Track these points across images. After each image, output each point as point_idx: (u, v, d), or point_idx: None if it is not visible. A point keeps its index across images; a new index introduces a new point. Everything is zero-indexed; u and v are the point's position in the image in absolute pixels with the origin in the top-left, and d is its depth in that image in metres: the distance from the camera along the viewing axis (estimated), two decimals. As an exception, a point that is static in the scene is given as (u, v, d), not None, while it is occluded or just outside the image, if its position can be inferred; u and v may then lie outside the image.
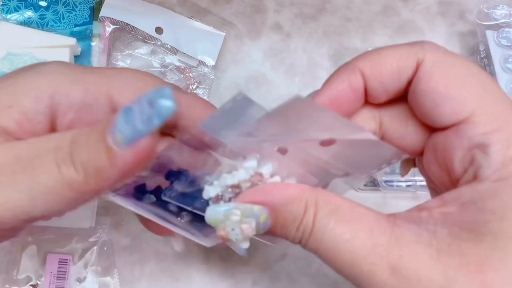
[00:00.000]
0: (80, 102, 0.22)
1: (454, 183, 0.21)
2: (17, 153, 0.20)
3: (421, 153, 0.23)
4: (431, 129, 0.22)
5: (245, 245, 0.21)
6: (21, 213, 0.20)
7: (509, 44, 0.41)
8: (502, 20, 0.42)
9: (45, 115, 0.22)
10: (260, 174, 0.21)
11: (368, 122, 0.23)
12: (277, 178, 0.21)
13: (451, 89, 0.20)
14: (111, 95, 0.22)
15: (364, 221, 0.20)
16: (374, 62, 0.22)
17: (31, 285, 0.37)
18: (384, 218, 0.20)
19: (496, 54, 0.41)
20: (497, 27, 0.42)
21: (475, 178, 0.19)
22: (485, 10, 0.42)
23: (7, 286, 0.36)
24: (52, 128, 0.22)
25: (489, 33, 0.42)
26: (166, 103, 0.18)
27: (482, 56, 0.42)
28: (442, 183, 0.22)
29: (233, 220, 0.20)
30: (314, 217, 0.20)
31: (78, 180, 0.19)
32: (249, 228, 0.20)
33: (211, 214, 0.20)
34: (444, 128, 0.21)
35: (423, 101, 0.21)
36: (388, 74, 0.21)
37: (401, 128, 0.23)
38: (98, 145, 0.18)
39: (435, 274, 0.19)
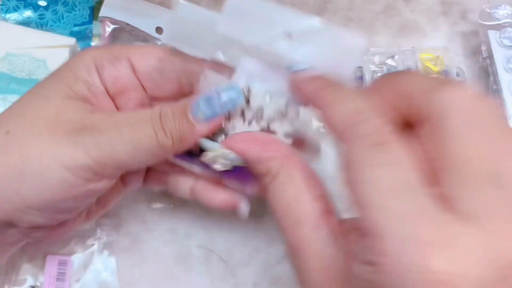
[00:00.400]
0: (109, 63, 0.29)
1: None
2: (118, 120, 0.26)
3: None
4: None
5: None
6: (121, 163, 0.26)
7: (511, 44, 0.41)
8: (505, 20, 0.42)
9: (97, 79, 0.29)
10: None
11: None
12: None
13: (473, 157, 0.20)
14: (131, 60, 0.29)
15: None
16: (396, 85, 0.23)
17: (31, 286, 0.37)
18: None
19: (498, 54, 0.41)
20: (499, 27, 0.42)
21: None
22: (487, 10, 0.42)
23: (6, 287, 0.36)
24: (104, 85, 0.29)
25: (491, 33, 0.41)
26: (238, 97, 0.27)
27: (484, 56, 0.42)
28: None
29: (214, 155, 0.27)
30: (269, 183, 0.25)
31: (168, 144, 0.26)
32: (224, 164, 0.27)
33: (207, 144, 0.28)
34: None
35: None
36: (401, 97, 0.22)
37: None
38: (183, 119, 0.26)
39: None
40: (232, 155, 0.27)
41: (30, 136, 0.25)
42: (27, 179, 0.25)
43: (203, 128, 0.26)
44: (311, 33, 0.26)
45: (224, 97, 0.26)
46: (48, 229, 0.29)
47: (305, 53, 0.26)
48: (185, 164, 0.29)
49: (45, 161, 0.25)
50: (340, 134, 0.22)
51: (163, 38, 0.41)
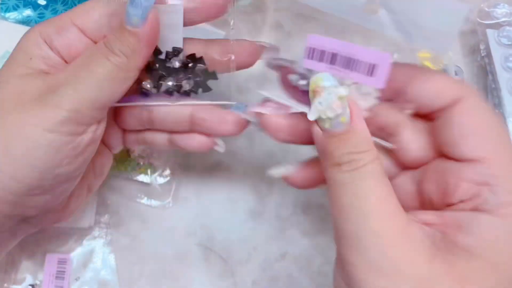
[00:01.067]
0: (56, 33, 0.29)
1: (443, 205, 0.24)
2: (73, 67, 0.27)
3: (416, 167, 0.27)
4: (440, 154, 0.25)
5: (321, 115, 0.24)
6: (93, 101, 0.26)
7: (509, 43, 0.41)
8: (503, 19, 0.42)
9: (50, 52, 0.28)
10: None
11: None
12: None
13: (480, 130, 0.24)
14: (76, 23, 0.28)
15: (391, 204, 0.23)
16: (421, 77, 0.25)
17: (30, 285, 0.37)
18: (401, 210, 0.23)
19: (497, 53, 0.41)
20: (497, 26, 0.42)
21: (475, 209, 0.23)
22: (486, 9, 0.42)
23: (5, 285, 0.36)
24: (59, 56, 0.28)
25: (490, 32, 0.41)
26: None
27: (482, 55, 0.42)
28: (430, 200, 0.25)
29: (332, 92, 0.23)
30: (361, 166, 0.23)
31: (124, 61, 0.26)
32: (337, 108, 0.23)
33: (324, 76, 0.24)
34: (457, 159, 0.24)
35: (454, 130, 0.24)
36: (428, 92, 0.25)
37: (415, 139, 0.26)
38: (124, 34, 0.26)
39: (423, 269, 0.22)
40: (339, 110, 0.23)
41: (2, 119, 0.26)
42: (16, 159, 0.25)
43: (145, 30, 0.26)
44: (408, 2, 0.24)
45: None
46: (57, 210, 0.30)
47: (399, 23, 0.25)
48: (141, 101, 0.30)
49: (26, 134, 0.25)
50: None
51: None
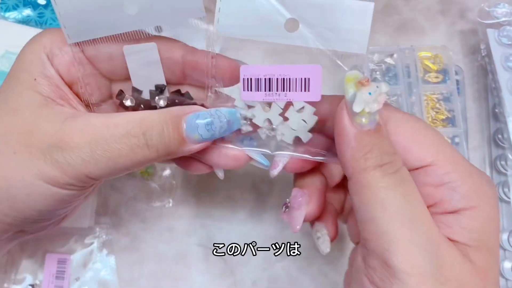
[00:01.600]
0: (59, 50, 0.27)
1: None
2: (92, 135, 0.24)
3: None
4: None
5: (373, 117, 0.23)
6: (99, 177, 0.25)
7: (510, 42, 0.41)
8: (503, 19, 0.42)
9: (52, 70, 0.27)
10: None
11: None
12: None
13: (419, 138, 0.24)
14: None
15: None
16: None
17: (30, 284, 0.37)
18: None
19: (497, 53, 0.41)
20: (498, 26, 0.42)
21: (446, 212, 0.24)
22: (486, 8, 0.42)
23: (6, 285, 0.36)
24: (58, 74, 0.27)
25: (490, 32, 0.41)
26: (239, 123, 0.27)
27: (483, 54, 0.42)
28: None
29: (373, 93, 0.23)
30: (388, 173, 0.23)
31: (151, 157, 0.25)
32: (382, 101, 0.23)
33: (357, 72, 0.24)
34: (409, 169, 0.24)
35: (396, 145, 0.24)
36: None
37: None
38: (175, 136, 0.25)
39: (460, 272, 0.23)
40: (381, 105, 0.23)
41: (6, 157, 0.25)
42: (16, 199, 0.25)
43: (194, 147, 0.26)
44: (320, 12, 0.25)
45: (227, 124, 0.26)
46: (55, 222, 0.30)
47: (318, 34, 0.26)
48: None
49: (29, 181, 0.24)
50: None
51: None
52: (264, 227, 0.39)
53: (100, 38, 0.26)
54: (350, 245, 0.32)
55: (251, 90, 0.26)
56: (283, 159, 0.28)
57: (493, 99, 0.41)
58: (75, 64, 0.27)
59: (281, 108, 0.27)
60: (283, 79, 0.26)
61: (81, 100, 0.28)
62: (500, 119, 0.40)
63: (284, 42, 0.26)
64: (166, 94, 0.28)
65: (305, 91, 0.26)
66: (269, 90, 0.26)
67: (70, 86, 0.27)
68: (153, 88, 0.28)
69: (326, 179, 0.30)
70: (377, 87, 0.23)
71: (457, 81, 0.42)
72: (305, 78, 0.26)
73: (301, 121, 0.27)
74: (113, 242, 0.38)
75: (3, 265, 0.37)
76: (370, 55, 0.41)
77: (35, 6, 0.41)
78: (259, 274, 0.38)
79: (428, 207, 0.23)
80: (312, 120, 0.27)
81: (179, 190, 0.40)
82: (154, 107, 0.28)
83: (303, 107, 0.27)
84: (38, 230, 0.29)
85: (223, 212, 0.39)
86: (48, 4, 0.41)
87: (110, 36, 0.26)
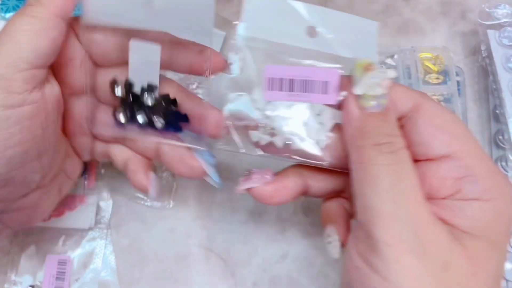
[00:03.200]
0: None
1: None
2: None
3: None
4: (413, 159, 0.26)
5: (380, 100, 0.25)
6: (15, 61, 0.25)
7: (510, 43, 0.41)
8: (504, 20, 0.42)
9: None
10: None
11: None
12: None
13: (445, 127, 0.26)
14: None
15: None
16: None
17: (30, 285, 0.37)
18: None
19: (498, 54, 0.41)
20: (499, 27, 0.41)
21: (462, 199, 0.24)
22: (487, 9, 0.42)
23: (6, 286, 0.36)
24: None
25: (491, 33, 0.41)
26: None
27: (483, 55, 0.42)
28: None
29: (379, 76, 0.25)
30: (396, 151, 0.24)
31: (39, 10, 0.25)
32: (386, 86, 0.25)
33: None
34: (431, 159, 0.25)
35: (423, 131, 0.25)
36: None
37: None
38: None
39: (446, 251, 0.23)
40: (386, 90, 0.25)
41: None
42: None
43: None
44: (331, 24, 0.28)
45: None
46: (26, 208, 0.29)
47: (330, 43, 0.28)
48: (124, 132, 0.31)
49: None
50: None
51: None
52: (264, 228, 0.39)
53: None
54: (351, 246, 0.32)
55: (274, 90, 0.27)
56: (256, 180, 0.29)
57: (493, 100, 0.41)
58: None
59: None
60: (305, 80, 0.27)
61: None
62: (500, 120, 0.40)
63: (306, 47, 0.27)
64: (156, 94, 0.30)
65: (323, 93, 0.27)
66: (292, 91, 0.27)
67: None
68: (145, 86, 0.30)
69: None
70: (383, 73, 0.25)
71: (458, 82, 0.42)
72: (323, 81, 0.27)
73: (317, 124, 0.28)
74: (113, 243, 0.38)
75: (3, 266, 0.37)
76: (370, 56, 0.41)
77: (36, 7, 0.41)
78: (259, 275, 0.38)
79: (444, 197, 0.25)
80: (329, 123, 0.28)
81: (180, 191, 0.40)
82: (142, 103, 0.30)
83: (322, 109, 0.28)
84: (9, 220, 0.29)
85: (224, 213, 0.39)
86: (48, 5, 0.41)
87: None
